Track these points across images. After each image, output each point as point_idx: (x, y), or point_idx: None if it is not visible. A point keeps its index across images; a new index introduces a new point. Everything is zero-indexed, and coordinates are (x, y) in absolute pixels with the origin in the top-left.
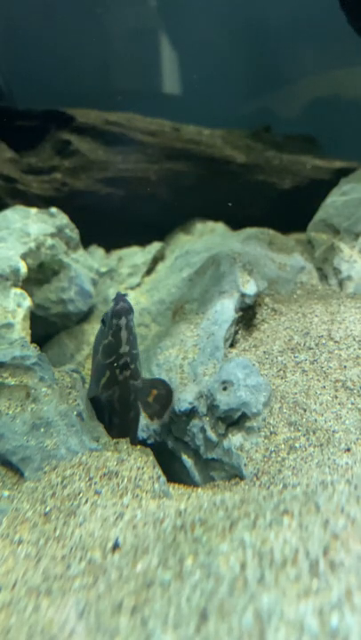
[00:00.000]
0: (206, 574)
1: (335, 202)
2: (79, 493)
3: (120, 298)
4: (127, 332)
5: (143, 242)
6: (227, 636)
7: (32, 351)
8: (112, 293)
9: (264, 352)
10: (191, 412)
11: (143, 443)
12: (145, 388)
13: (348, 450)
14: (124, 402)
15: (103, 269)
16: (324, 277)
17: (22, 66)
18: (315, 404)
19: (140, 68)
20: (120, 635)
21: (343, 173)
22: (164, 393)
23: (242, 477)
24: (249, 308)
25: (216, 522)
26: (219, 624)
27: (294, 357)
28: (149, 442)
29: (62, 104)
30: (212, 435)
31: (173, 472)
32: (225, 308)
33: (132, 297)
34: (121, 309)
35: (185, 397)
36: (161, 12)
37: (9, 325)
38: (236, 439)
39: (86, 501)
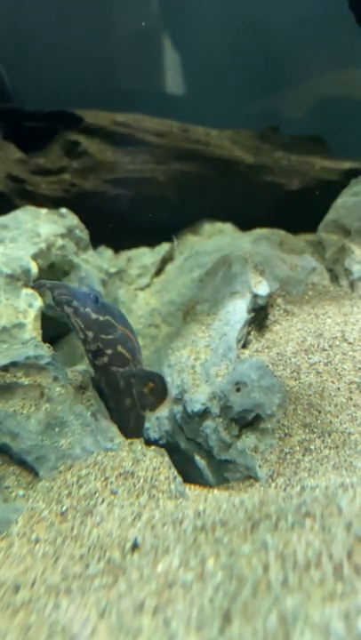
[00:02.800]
0: (229, 576)
1: (346, 202)
2: (95, 493)
3: (53, 287)
4: (81, 319)
5: (151, 243)
6: (251, 638)
7: (45, 351)
8: (122, 294)
9: (277, 353)
10: (204, 413)
11: (155, 443)
12: (141, 378)
13: None
14: (112, 387)
15: (112, 270)
16: (335, 278)
17: (27, 66)
18: (329, 405)
19: (145, 68)
20: (143, 635)
21: (352, 174)
22: (160, 387)
23: (256, 479)
24: (261, 308)
25: (237, 523)
26: (243, 626)
27: (308, 359)
28: (161, 442)
29: (68, 105)
30: (225, 436)
31: (186, 473)
32: (237, 309)
33: (141, 297)
34: (57, 302)
35: (198, 398)
36: (165, 13)
37: (20, 325)
38: (250, 440)
39: (103, 501)
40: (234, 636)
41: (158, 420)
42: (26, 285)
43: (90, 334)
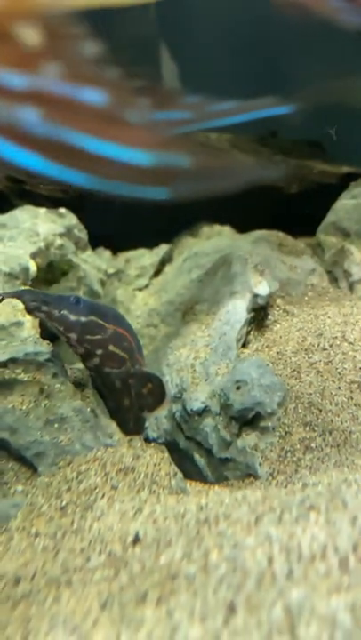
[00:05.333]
0: (232, 568)
1: (346, 205)
2: (95, 488)
3: (20, 295)
4: (58, 323)
5: (149, 245)
6: (256, 629)
7: (45, 347)
8: (120, 294)
9: (277, 352)
10: (204, 412)
11: (154, 442)
12: (140, 378)
13: None
14: (109, 388)
15: (111, 270)
16: (334, 280)
17: None
18: (330, 404)
19: (142, 71)
20: (146, 625)
21: (351, 178)
22: (158, 389)
23: (257, 477)
24: (261, 308)
25: (240, 516)
26: (247, 617)
27: (308, 358)
28: (160, 441)
29: None
30: (225, 434)
31: (185, 471)
32: (237, 309)
33: (140, 298)
34: (27, 309)
35: (197, 397)
36: (161, 17)
37: (19, 324)
38: (250, 438)
39: (103, 496)
40: (238, 627)
41: (157, 419)
42: (24, 284)
43: (73, 336)
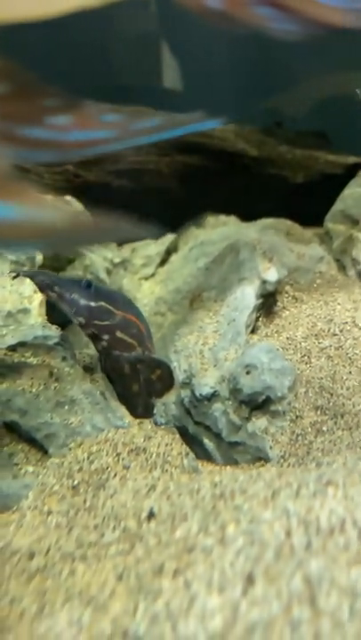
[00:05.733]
0: (250, 541)
1: (354, 193)
2: (107, 468)
3: (33, 275)
4: (68, 305)
5: (154, 236)
6: (275, 599)
7: (54, 331)
8: (126, 283)
9: (287, 338)
10: (213, 397)
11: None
12: (148, 364)
13: None
14: (117, 372)
15: (117, 260)
16: (342, 268)
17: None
18: (341, 388)
19: (146, 65)
20: (163, 596)
21: (358, 168)
22: (167, 375)
23: (267, 460)
24: (270, 295)
25: (257, 491)
26: (266, 588)
27: (318, 343)
28: (169, 426)
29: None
30: (235, 418)
31: (195, 455)
32: (245, 295)
33: (146, 287)
34: (40, 288)
35: (206, 382)
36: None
37: (25, 311)
38: (260, 422)
39: (115, 475)
40: (258, 597)
41: (165, 405)
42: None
43: (81, 320)
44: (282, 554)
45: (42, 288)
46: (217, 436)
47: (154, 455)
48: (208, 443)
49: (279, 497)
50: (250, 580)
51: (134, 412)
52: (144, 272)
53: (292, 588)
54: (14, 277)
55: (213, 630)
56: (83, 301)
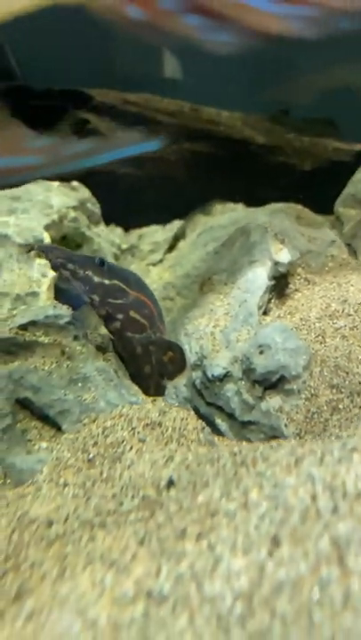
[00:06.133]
0: (274, 505)
1: None
2: (123, 441)
3: (47, 250)
4: (82, 282)
5: (161, 223)
6: (303, 560)
7: (65, 311)
8: (134, 269)
9: (300, 319)
10: (225, 377)
11: None
12: (160, 346)
13: None
14: (129, 353)
15: (124, 246)
16: (353, 253)
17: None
18: (357, 367)
19: (152, 53)
20: (187, 558)
21: None
22: (179, 357)
23: (283, 438)
24: (282, 276)
25: (279, 458)
26: (293, 549)
27: (333, 323)
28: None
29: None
30: (248, 397)
31: None
32: (257, 277)
33: (154, 273)
34: (53, 265)
35: (218, 362)
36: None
37: (34, 294)
38: (274, 401)
39: (131, 448)
40: (284, 558)
41: (176, 387)
42: (38, 256)
43: (95, 298)
44: (308, 517)
45: (55, 264)
46: (230, 416)
47: (170, 429)
48: (220, 423)
49: (303, 463)
50: (275, 542)
51: (146, 393)
52: (152, 258)
53: (320, 549)
54: (28, 251)
55: (240, 589)
56: (97, 279)
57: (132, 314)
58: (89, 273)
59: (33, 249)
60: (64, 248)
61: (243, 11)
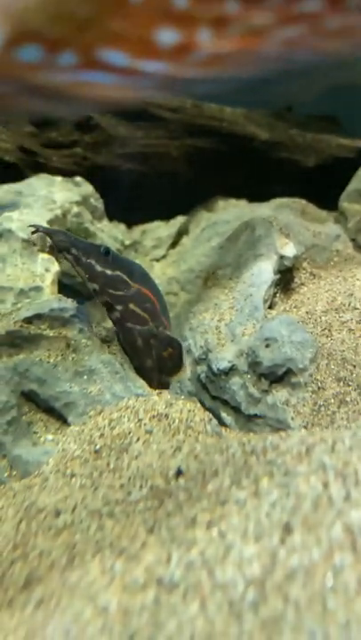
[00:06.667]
0: (285, 493)
1: None
2: (129, 433)
3: (52, 233)
4: (83, 269)
5: (164, 219)
6: (315, 546)
7: (70, 304)
8: None
9: (306, 312)
10: (231, 371)
11: None
12: (161, 341)
13: None
14: (131, 345)
15: (127, 242)
16: (357, 248)
17: None
18: None
19: None
20: (197, 546)
21: None
22: (177, 354)
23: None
24: (288, 270)
25: (290, 447)
26: (305, 536)
27: (339, 317)
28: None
29: None
30: (254, 391)
31: None
32: (262, 271)
33: (157, 268)
34: (57, 248)
35: (223, 356)
36: None
37: (38, 288)
38: (280, 394)
39: (138, 439)
40: (296, 545)
41: (180, 382)
42: (42, 250)
43: (95, 286)
44: (320, 505)
45: (59, 249)
46: (235, 410)
47: (176, 421)
48: (226, 416)
49: (314, 451)
50: (287, 529)
51: (150, 386)
52: (155, 253)
53: (333, 536)
54: (34, 232)
55: (252, 576)
56: (99, 267)
57: (131, 306)
58: (92, 261)
59: (38, 230)
60: (70, 233)
61: (75, 83)
